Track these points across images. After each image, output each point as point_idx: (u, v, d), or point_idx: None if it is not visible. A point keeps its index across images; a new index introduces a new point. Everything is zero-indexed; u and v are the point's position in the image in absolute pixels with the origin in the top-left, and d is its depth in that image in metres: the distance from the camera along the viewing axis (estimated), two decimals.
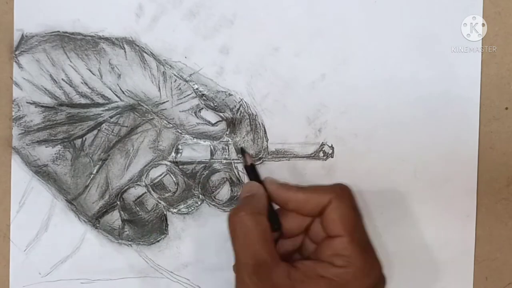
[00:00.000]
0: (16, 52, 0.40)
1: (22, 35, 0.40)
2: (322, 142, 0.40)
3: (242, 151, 0.39)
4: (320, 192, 0.33)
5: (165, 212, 0.40)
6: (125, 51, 0.39)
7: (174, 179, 0.40)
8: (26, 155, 0.40)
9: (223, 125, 0.39)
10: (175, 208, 0.40)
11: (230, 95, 0.40)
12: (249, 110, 0.40)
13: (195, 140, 0.40)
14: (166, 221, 0.41)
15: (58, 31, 0.40)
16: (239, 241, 0.32)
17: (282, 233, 0.35)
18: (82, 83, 0.39)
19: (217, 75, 0.40)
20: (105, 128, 0.40)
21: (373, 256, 0.33)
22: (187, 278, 0.41)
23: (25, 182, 0.40)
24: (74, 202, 0.40)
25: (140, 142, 0.40)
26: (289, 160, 0.40)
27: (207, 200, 0.40)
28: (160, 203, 0.40)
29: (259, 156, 0.40)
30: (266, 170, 0.40)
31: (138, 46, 0.40)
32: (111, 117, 0.40)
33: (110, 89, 0.39)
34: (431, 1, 0.40)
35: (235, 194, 0.40)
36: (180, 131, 0.40)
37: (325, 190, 0.33)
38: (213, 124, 0.39)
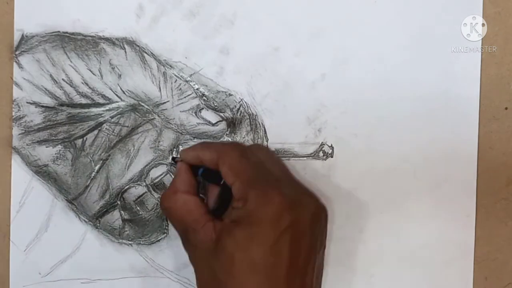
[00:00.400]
0: (17, 52, 0.40)
1: (23, 35, 0.40)
2: (322, 142, 0.40)
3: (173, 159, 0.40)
4: (209, 150, 0.36)
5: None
6: (125, 51, 0.39)
7: None
8: (27, 155, 0.40)
9: (223, 125, 0.40)
10: None
11: (230, 95, 0.40)
12: (249, 110, 0.40)
13: (195, 140, 0.40)
14: (167, 221, 0.41)
15: (59, 31, 0.40)
16: (171, 220, 0.36)
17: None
18: (82, 83, 0.39)
19: (217, 75, 0.40)
20: (105, 128, 0.40)
21: (281, 187, 0.33)
22: (187, 278, 0.41)
23: (25, 182, 0.40)
24: (74, 202, 0.40)
25: (140, 142, 0.40)
26: (289, 160, 0.40)
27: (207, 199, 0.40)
28: None
29: None
30: None
31: (138, 46, 0.40)
32: (111, 117, 0.40)
33: (111, 89, 0.39)
34: (431, 1, 0.40)
35: None
36: (180, 131, 0.40)
37: (212, 148, 0.36)
38: (213, 124, 0.39)
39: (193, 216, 0.34)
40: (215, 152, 0.35)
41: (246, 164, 0.34)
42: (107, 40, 0.40)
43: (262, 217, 0.32)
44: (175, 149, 0.40)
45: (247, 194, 0.33)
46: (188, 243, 0.35)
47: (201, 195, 0.37)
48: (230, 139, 0.40)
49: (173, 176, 0.39)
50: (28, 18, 0.40)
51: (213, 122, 0.39)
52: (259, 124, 0.40)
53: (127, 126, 0.40)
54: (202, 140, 0.39)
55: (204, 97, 0.40)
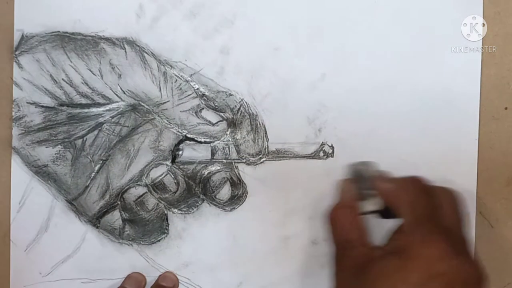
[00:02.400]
0: (16, 52, 0.40)
1: (22, 35, 0.40)
2: (322, 142, 0.40)
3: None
4: (388, 181, 0.37)
5: (165, 212, 0.40)
6: (125, 51, 0.39)
7: (175, 179, 0.40)
8: (26, 155, 0.40)
9: (223, 125, 0.40)
10: (176, 208, 0.40)
11: (230, 95, 0.40)
12: (249, 110, 0.40)
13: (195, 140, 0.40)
14: (167, 221, 0.41)
15: (59, 31, 0.40)
16: (334, 229, 0.36)
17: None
18: (82, 83, 0.39)
19: (218, 75, 0.40)
20: (106, 128, 0.40)
21: (445, 248, 0.32)
22: (187, 278, 0.41)
23: (25, 182, 0.40)
24: (74, 202, 0.40)
25: (140, 142, 0.40)
26: (289, 159, 0.40)
27: (207, 200, 0.40)
28: (160, 203, 0.40)
29: (260, 156, 0.40)
30: (266, 170, 0.40)
31: (138, 46, 0.40)
32: (112, 117, 0.40)
33: (111, 89, 0.39)
34: (431, 1, 0.40)
35: (235, 194, 0.40)
36: (181, 131, 0.40)
37: (391, 181, 0.37)
38: (213, 124, 0.39)
39: (353, 236, 0.35)
40: (393, 183, 0.36)
41: (425, 202, 0.35)
42: (107, 40, 0.40)
43: (420, 254, 0.32)
44: (175, 149, 0.40)
45: (415, 230, 0.33)
46: (342, 258, 0.35)
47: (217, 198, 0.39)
48: (230, 139, 0.40)
49: (183, 177, 0.40)
50: (28, 18, 0.40)
51: (214, 122, 0.39)
52: (260, 124, 0.40)
53: (127, 126, 0.40)
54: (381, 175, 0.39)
55: (204, 97, 0.40)
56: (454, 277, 0.32)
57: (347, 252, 0.35)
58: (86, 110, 0.39)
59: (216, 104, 0.40)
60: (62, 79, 0.39)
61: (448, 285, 0.31)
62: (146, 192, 0.40)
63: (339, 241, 0.36)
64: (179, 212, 0.41)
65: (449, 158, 0.40)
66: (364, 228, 0.36)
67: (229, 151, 0.40)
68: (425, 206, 0.34)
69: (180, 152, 0.40)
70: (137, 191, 0.40)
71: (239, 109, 0.40)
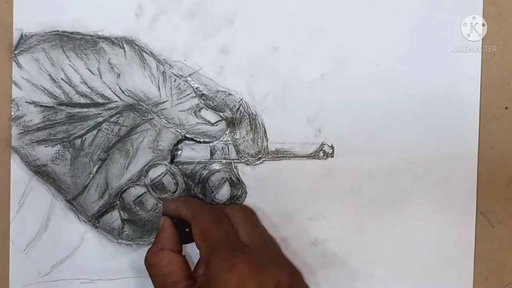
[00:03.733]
0: (15, 52, 0.40)
1: (21, 34, 0.40)
2: (322, 142, 0.40)
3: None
4: (187, 208, 0.37)
5: (165, 212, 0.40)
6: (124, 51, 0.39)
7: (174, 179, 0.40)
8: (26, 154, 0.40)
9: (222, 125, 0.39)
10: None
11: (230, 94, 0.40)
12: (249, 109, 0.40)
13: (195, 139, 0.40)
14: None
15: (58, 31, 0.40)
16: (152, 277, 0.36)
17: None
18: (81, 82, 0.39)
19: (217, 74, 0.40)
20: (105, 128, 0.40)
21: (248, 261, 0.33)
22: None
23: (25, 182, 0.40)
24: (73, 202, 0.40)
25: (139, 142, 0.40)
26: (289, 159, 0.40)
27: (206, 200, 0.40)
28: (160, 202, 0.40)
29: (259, 156, 0.40)
30: (266, 170, 0.40)
31: (137, 45, 0.40)
32: (110, 117, 0.40)
33: (110, 88, 0.39)
34: (431, 1, 0.40)
35: (234, 194, 0.40)
36: (179, 131, 0.40)
37: (190, 207, 0.37)
38: (213, 124, 0.39)
39: (173, 279, 0.35)
40: (191, 211, 0.36)
41: (216, 229, 0.35)
42: (106, 39, 0.39)
43: (224, 284, 0.32)
44: (174, 148, 0.40)
45: (211, 260, 0.33)
46: None
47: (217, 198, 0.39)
48: (229, 139, 0.40)
49: (183, 177, 0.40)
50: (27, 18, 0.40)
51: (213, 121, 0.39)
52: (259, 124, 0.40)
53: (126, 126, 0.40)
54: (184, 196, 0.40)
55: (203, 97, 0.40)
56: None
57: None
58: (85, 110, 0.39)
59: (215, 104, 0.40)
60: (61, 78, 0.39)
61: None
62: (145, 192, 0.40)
63: (157, 286, 0.35)
64: None
65: (449, 158, 0.40)
66: (181, 266, 0.35)
67: (228, 151, 0.40)
68: (218, 233, 0.34)
69: (179, 152, 0.40)
70: (136, 191, 0.40)
71: (238, 108, 0.40)
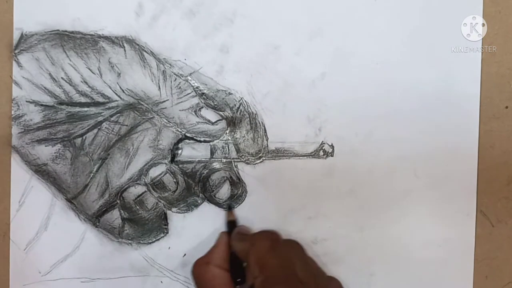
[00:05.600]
0: (16, 51, 0.40)
1: (22, 34, 0.40)
2: (322, 141, 0.40)
3: (229, 207, 0.40)
4: (245, 241, 0.37)
5: (165, 211, 0.40)
6: (124, 50, 0.39)
7: (174, 178, 0.40)
8: (26, 154, 0.40)
9: (223, 124, 0.39)
10: (175, 207, 0.40)
11: (230, 94, 0.40)
12: (249, 109, 0.40)
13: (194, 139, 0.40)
14: (166, 220, 0.41)
15: (58, 30, 0.40)
16: (196, 286, 0.36)
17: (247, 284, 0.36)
18: (81, 82, 0.39)
19: (217, 74, 0.40)
20: (105, 127, 0.40)
21: None
22: (187, 277, 0.41)
23: (25, 181, 0.40)
24: (74, 201, 0.40)
25: (140, 141, 0.40)
26: (289, 159, 0.40)
27: (207, 199, 0.40)
28: (160, 202, 0.40)
29: (259, 155, 0.40)
30: (266, 169, 0.40)
31: (138, 44, 0.40)
32: (111, 116, 0.40)
33: (110, 87, 0.39)
34: (431, 1, 0.40)
35: (235, 193, 0.40)
36: (180, 130, 0.40)
37: (247, 240, 0.37)
38: (213, 123, 0.39)
39: None
40: (247, 241, 0.36)
41: (273, 259, 0.34)
42: (107, 38, 0.40)
43: None
44: (174, 147, 0.40)
45: None
46: None
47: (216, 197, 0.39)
48: (230, 138, 0.40)
49: (183, 177, 0.40)
50: (28, 17, 0.40)
51: (213, 121, 0.39)
52: (259, 123, 0.40)
53: (127, 125, 0.40)
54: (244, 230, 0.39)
55: (203, 96, 0.40)
56: None
57: None
58: (85, 109, 0.39)
59: (215, 103, 0.40)
60: (62, 77, 0.39)
61: None
62: (145, 191, 0.40)
63: None
64: (179, 211, 0.40)
65: (449, 157, 0.40)
66: (225, 282, 0.36)
67: (229, 150, 0.40)
68: (274, 264, 0.34)
69: (180, 151, 0.40)
70: (136, 190, 0.40)
71: (238, 108, 0.40)
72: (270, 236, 0.36)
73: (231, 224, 0.39)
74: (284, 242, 0.37)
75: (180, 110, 0.39)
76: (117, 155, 0.40)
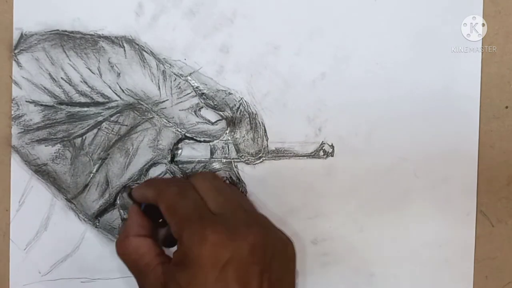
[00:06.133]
0: (16, 51, 0.40)
1: (22, 33, 0.40)
2: (322, 141, 0.40)
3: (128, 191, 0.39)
4: (151, 188, 0.36)
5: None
6: (124, 50, 0.39)
7: None
8: (26, 154, 0.40)
9: (223, 124, 0.39)
10: None
11: (230, 93, 0.40)
12: (249, 109, 0.40)
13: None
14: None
15: (58, 30, 0.40)
16: (127, 266, 0.36)
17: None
18: (81, 81, 0.39)
19: (217, 73, 0.40)
20: (105, 127, 0.40)
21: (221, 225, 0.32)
22: None
23: (25, 181, 0.40)
24: (74, 201, 0.40)
25: (140, 141, 0.40)
26: (289, 159, 0.40)
27: None
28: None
29: (259, 155, 0.40)
30: (266, 169, 0.40)
31: (137, 44, 0.40)
32: (111, 116, 0.40)
33: (110, 87, 0.39)
34: (431, 1, 0.40)
35: None
36: (180, 130, 0.40)
37: (153, 186, 0.36)
38: (213, 123, 0.39)
39: (145, 260, 0.34)
40: (155, 190, 0.35)
41: (182, 202, 0.34)
42: (106, 38, 0.40)
43: (197, 257, 0.31)
44: (174, 147, 0.40)
45: (182, 235, 0.32)
46: (141, 287, 0.34)
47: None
48: (229, 138, 0.40)
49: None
50: (27, 17, 0.40)
51: (213, 121, 0.39)
52: (259, 123, 0.40)
53: (126, 125, 0.40)
54: (148, 178, 0.39)
55: (203, 96, 0.40)
56: (243, 257, 0.31)
57: (144, 281, 0.34)
58: (85, 109, 0.39)
59: (215, 103, 0.40)
60: (61, 77, 0.39)
61: (240, 269, 0.31)
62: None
63: (134, 272, 0.35)
64: None
65: (449, 157, 0.40)
66: (149, 247, 0.35)
67: (229, 150, 0.40)
68: (184, 206, 0.34)
69: (179, 151, 0.40)
70: None
71: (238, 108, 0.40)
72: (176, 183, 0.36)
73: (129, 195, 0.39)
74: (195, 178, 0.36)
75: (180, 110, 0.39)
76: (117, 155, 0.40)
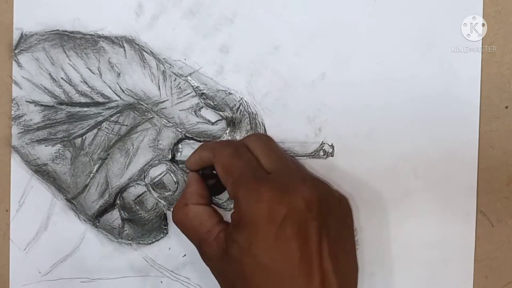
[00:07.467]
0: (16, 51, 0.40)
1: (22, 33, 0.40)
2: (322, 141, 0.40)
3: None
4: (206, 150, 0.36)
5: (165, 211, 0.40)
6: (124, 50, 0.39)
7: (174, 178, 0.40)
8: (26, 154, 0.40)
9: (223, 124, 0.39)
10: None
11: (230, 94, 0.40)
12: (249, 109, 0.40)
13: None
14: (166, 220, 0.40)
15: (58, 30, 0.40)
16: (184, 233, 0.36)
17: None
18: (81, 82, 0.39)
19: (217, 74, 0.40)
20: (105, 127, 0.40)
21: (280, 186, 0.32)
22: (187, 277, 0.41)
23: (25, 181, 0.40)
24: (74, 201, 0.40)
25: (140, 141, 0.40)
26: None
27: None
28: (160, 202, 0.40)
29: None
30: None
31: (137, 44, 0.40)
32: (111, 116, 0.40)
33: (110, 87, 0.39)
34: (431, 1, 0.40)
35: None
36: (180, 130, 0.40)
37: (208, 148, 0.36)
38: (213, 123, 0.39)
39: (206, 228, 0.34)
40: (211, 151, 0.35)
41: (238, 162, 0.34)
42: (106, 38, 0.40)
43: (254, 216, 0.31)
44: (174, 147, 0.40)
45: (238, 195, 0.32)
46: (204, 255, 0.34)
47: (216, 198, 0.38)
48: (230, 138, 0.40)
49: (183, 176, 0.40)
50: (27, 17, 0.40)
51: (213, 121, 0.39)
52: (259, 123, 0.40)
53: (126, 125, 0.40)
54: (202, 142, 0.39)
55: (203, 96, 0.40)
56: (299, 212, 0.31)
57: (205, 250, 0.34)
58: (85, 109, 0.39)
59: (215, 103, 0.40)
60: (61, 77, 0.39)
61: (297, 223, 0.31)
62: (145, 191, 0.40)
63: (194, 239, 0.35)
64: None
65: (449, 157, 0.40)
66: (210, 215, 0.35)
67: None
68: (239, 166, 0.34)
69: (180, 151, 0.40)
70: (136, 190, 0.40)
71: (238, 108, 0.40)
72: (231, 144, 0.36)
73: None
74: (248, 140, 0.36)
75: (180, 110, 0.39)
76: (117, 155, 0.40)
